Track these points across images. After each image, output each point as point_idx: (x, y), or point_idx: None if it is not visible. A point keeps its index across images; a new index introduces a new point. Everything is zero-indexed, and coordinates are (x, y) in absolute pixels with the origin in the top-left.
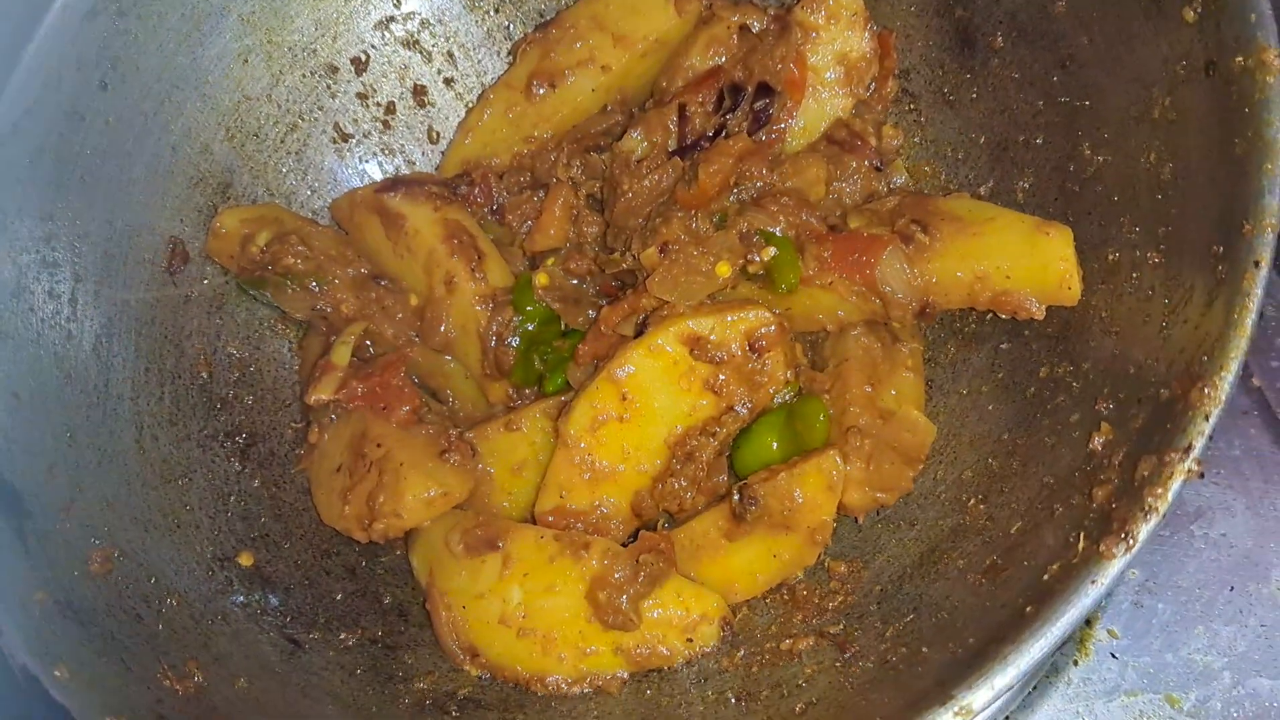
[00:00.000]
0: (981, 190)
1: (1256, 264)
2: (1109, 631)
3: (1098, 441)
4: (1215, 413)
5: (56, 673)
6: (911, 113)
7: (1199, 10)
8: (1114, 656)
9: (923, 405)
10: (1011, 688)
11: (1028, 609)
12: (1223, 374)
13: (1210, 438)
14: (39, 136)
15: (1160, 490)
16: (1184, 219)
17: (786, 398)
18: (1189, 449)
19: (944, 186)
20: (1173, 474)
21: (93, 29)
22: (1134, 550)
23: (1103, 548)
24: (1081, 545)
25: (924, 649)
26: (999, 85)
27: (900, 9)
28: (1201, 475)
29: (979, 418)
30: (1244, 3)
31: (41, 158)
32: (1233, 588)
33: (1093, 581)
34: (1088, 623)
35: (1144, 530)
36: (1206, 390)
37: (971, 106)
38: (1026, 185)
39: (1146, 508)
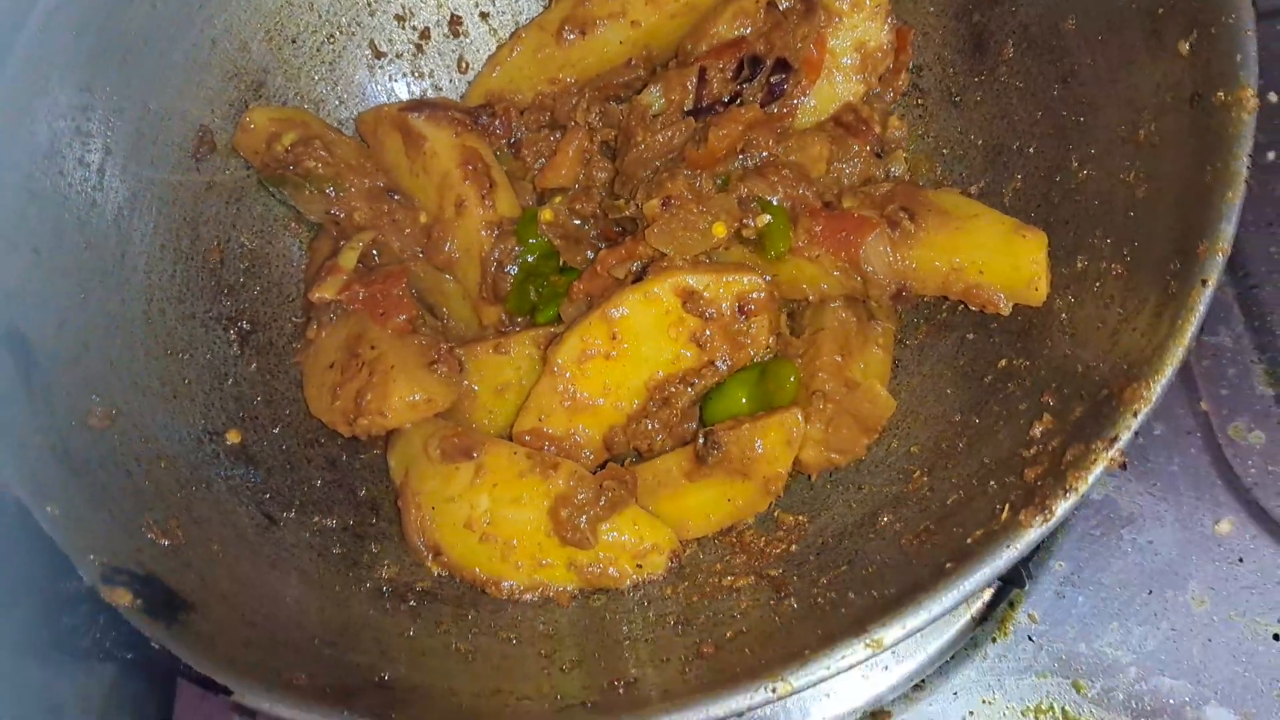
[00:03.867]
0: (972, 190)
1: (1204, 283)
2: (1029, 615)
3: (1037, 430)
4: (1144, 411)
5: (48, 508)
6: (918, 107)
7: (1192, 44)
8: (1030, 640)
9: (887, 381)
10: (921, 629)
11: (948, 565)
12: (1157, 377)
13: (1136, 434)
14: (86, 11)
15: (1082, 474)
16: (1149, 236)
17: (762, 356)
18: (1114, 440)
19: (938, 181)
20: (1095, 460)
21: None
22: (1050, 524)
23: (1022, 517)
24: (1004, 515)
25: (850, 594)
26: (1003, 92)
27: (922, 7)
28: (1124, 466)
29: (936, 399)
30: (1233, 42)
31: (86, 32)
32: (1151, 591)
33: (1009, 546)
34: (1011, 605)
35: (1061, 507)
36: (1140, 389)
37: (975, 109)
38: (1014, 189)
39: (1067, 487)
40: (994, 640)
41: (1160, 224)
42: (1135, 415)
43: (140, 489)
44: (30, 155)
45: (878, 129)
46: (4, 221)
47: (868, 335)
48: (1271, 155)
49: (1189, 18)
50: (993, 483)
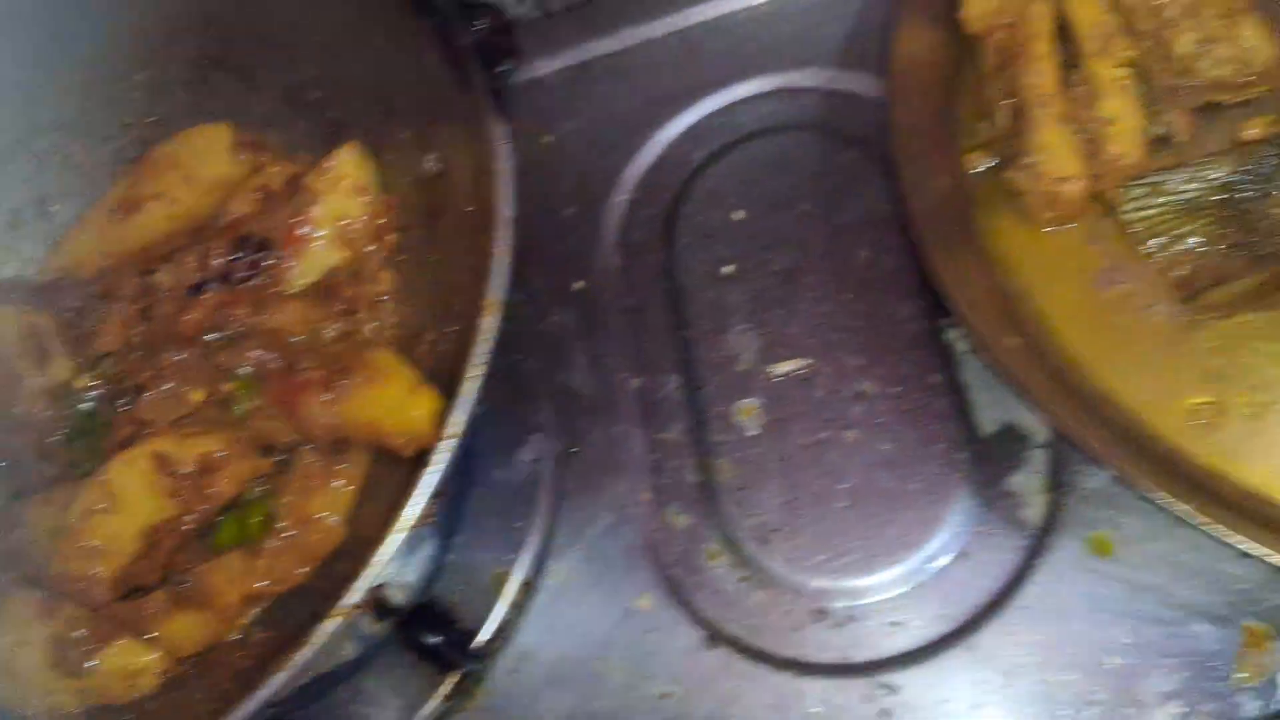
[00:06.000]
0: (429, 336)
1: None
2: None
3: None
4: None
5: None
6: (398, 264)
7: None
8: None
9: (348, 512)
10: None
11: None
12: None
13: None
14: None
15: None
16: None
17: (255, 495)
18: None
19: (406, 330)
20: None
21: None
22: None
23: None
24: None
25: None
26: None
27: (399, 180)
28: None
29: None
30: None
31: None
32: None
33: None
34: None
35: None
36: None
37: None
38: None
39: None
40: None
41: None
42: None
43: None
44: None
45: (348, 291)
46: None
47: (331, 473)
48: (731, 269)
49: None
50: None
